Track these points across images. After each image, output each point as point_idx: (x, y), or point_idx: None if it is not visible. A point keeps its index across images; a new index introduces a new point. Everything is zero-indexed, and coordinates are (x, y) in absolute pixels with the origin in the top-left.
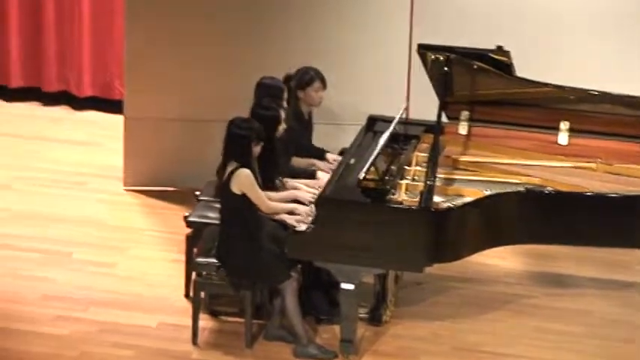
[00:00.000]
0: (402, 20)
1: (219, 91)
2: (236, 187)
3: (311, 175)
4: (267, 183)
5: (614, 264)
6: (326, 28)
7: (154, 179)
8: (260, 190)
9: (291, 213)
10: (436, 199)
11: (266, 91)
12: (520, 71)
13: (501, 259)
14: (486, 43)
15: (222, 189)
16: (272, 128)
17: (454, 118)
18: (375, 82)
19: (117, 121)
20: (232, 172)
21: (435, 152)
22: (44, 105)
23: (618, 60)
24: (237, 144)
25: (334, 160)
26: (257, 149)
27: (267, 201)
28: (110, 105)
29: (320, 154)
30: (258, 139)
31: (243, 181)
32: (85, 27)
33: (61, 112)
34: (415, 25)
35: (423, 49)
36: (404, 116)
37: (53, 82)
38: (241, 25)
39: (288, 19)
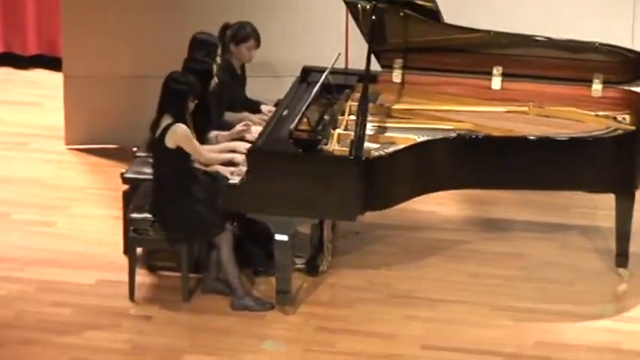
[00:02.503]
0: None
1: (156, 48)
2: (171, 142)
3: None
4: (200, 137)
5: (551, 207)
6: None
7: (95, 137)
8: (196, 142)
9: (230, 164)
10: (368, 147)
11: (199, 46)
12: (456, 19)
13: (442, 206)
14: None
15: (156, 144)
16: (204, 82)
17: (388, 67)
18: (312, 33)
19: (60, 80)
20: (167, 127)
21: (364, 101)
22: None
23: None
24: (174, 99)
25: (269, 112)
26: (192, 105)
27: (205, 152)
28: (56, 64)
29: (255, 107)
30: (195, 94)
31: (180, 134)
32: None
33: (4, 72)
34: None
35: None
36: (340, 66)
37: None
38: None
39: None
